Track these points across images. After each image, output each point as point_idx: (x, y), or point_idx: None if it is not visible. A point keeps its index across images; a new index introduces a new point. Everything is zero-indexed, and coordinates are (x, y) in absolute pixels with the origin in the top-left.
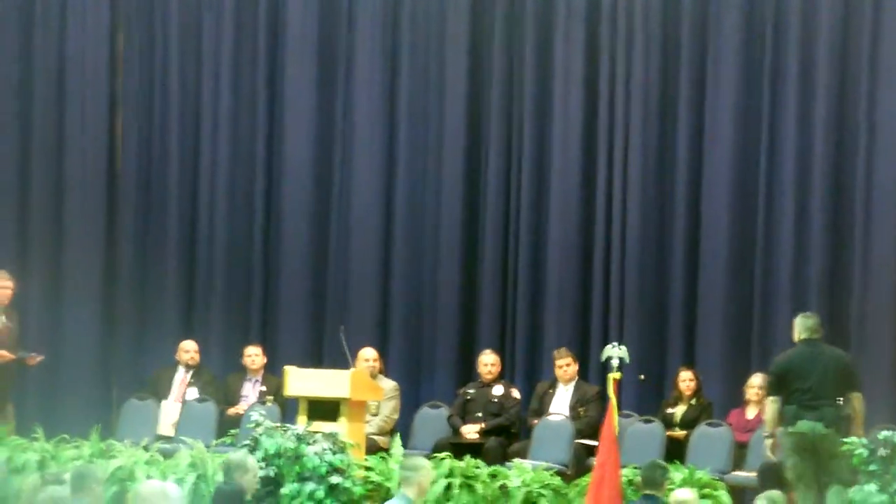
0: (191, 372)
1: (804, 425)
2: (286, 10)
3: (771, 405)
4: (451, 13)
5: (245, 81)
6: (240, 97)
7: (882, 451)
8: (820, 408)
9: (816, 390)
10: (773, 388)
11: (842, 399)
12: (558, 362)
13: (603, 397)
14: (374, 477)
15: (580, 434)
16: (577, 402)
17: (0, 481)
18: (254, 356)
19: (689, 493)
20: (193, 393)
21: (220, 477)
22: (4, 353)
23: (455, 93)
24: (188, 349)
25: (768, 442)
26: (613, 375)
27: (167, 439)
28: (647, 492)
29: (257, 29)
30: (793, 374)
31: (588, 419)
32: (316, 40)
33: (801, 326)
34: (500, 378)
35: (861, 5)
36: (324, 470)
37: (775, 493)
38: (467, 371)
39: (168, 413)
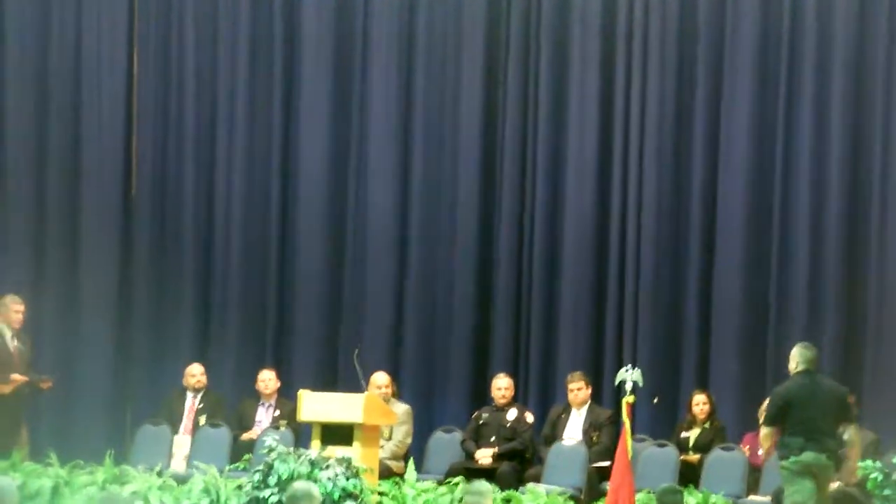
0: (199, 396)
1: (809, 456)
2: (302, 25)
3: (768, 436)
4: (466, 27)
5: (260, 96)
6: (254, 116)
7: None
8: (822, 440)
9: (818, 422)
10: (773, 419)
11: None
12: (570, 386)
13: (616, 421)
14: (387, 502)
15: (594, 458)
16: (591, 427)
17: None
18: (267, 380)
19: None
20: (203, 421)
21: (234, 502)
22: (17, 376)
23: (470, 110)
24: (194, 373)
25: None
26: (627, 399)
27: None
28: None
29: (273, 43)
30: (795, 406)
31: (601, 443)
32: (331, 56)
33: (801, 357)
34: (513, 402)
35: (876, 17)
36: (337, 495)
37: None
38: (481, 395)
39: (179, 447)
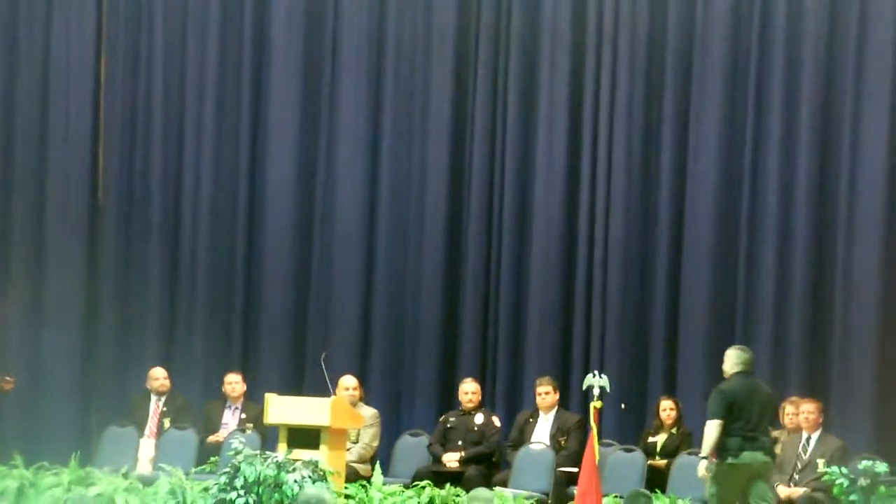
0: (163, 399)
1: (747, 456)
2: (271, 31)
3: (717, 428)
4: (436, 33)
5: (229, 108)
6: (223, 125)
7: (862, 482)
8: (758, 438)
9: (755, 422)
10: (721, 413)
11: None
12: (539, 389)
13: (584, 426)
14: None
15: (561, 462)
16: (558, 432)
17: None
18: (234, 384)
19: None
20: (168, 424)
21: None
22: None
23: (439, 117)
24: (157, 376)
25: (704, 463)
26: (595, 404)
27: None
28: None
29: (242, 50)
30: (737, 406)
31: (569, 448)
32: (301, 62)
33: (738, 359)
34: (480, 406)
35: (846, 24)
36: None
37: None
38: (448, 399)
39: (144, 450)
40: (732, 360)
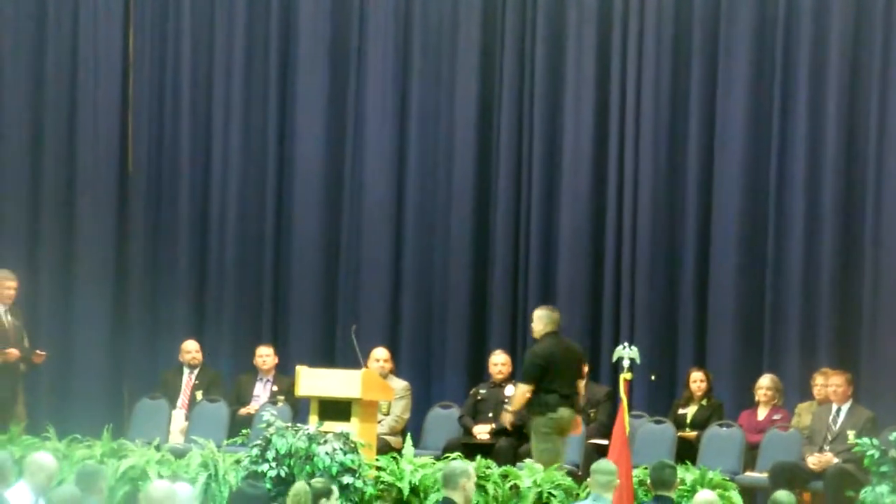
0: (195, 372)
1: (564, 412)
2: (298, 7)
3: (526, 393)
4: (462, 12)
5: (257, 80)
6: (251, 96)
7: (893, 453)
8: (571, 396)
9: (568, 380)
10: (535, 378)
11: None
12: None
13: (613, 398)
14: (385, 477)
15: (591, 434)
16: (588, 404)
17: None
18: (265, 356)
19: (711, 494)
20: (200, 396)
21: (231, 477)
22: (13, 350)
23: (466, 93)
24: (189, 349)
25: (509, 416)
26: (624, 376)
27: None
28: (659, 493)
29: (269, 26)
30: (553, 366)
31: (599, 420)
32: (328, 38)
33: (549, 319)
34: (510, 378)
35: (872, 11)
36: (335, 470)
37: (785, 494)
38: (478, 371)
39: (176, 421)
40: (544, 320)
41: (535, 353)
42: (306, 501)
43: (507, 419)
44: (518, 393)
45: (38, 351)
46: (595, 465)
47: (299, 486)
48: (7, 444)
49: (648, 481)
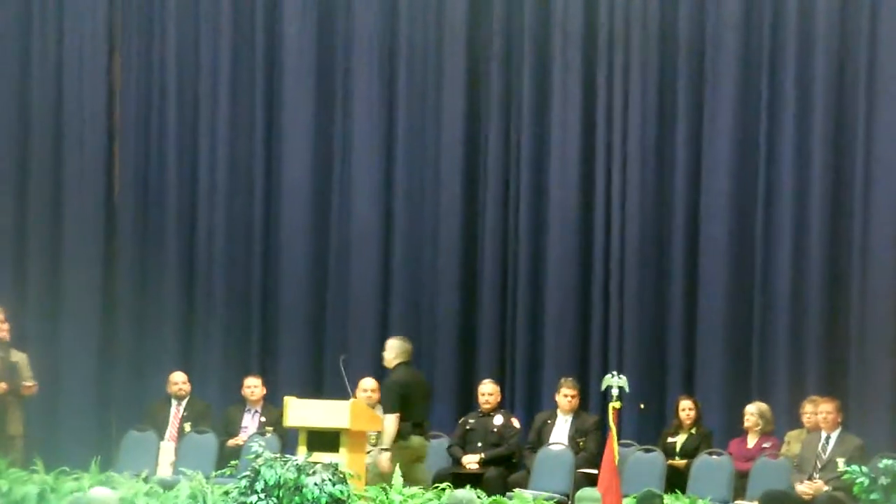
0: (183, 404)
1: (416, 440)
2: (283, 34)
3: (396, 421)
4: (447, 37)
5: (243, 106)
6: (237, 122)
7: (883, 480)
8: (423, 424)
9: (420, 409)
10: (398, 405)
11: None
12: (564, 391)
13: (602, 427)
14: None
15: (580, 464)
16: (577, 433)
17: None
18: (253, 387)
19: None
20: (188, 428)
21: None
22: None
23: (453, 116)
24: (176, 381)
25: (387, 455)
26: (613, 405)
27: None
28: None
29: (255, 51)
30: (409, 395)
31: (588, 449)
32: (314, 63)
33: (401, 349)
34: (499, 408)
35: (858, 22)
36: (324, 501)
37: None
38: (467, 401)
39: (164, 454)
40: (395, 350)
41: (393, 382)
42: None
43: (383, 464)
44: (388, 426)
45: (25, 383)
46: (579, 494)
47: None
48: None
49: None
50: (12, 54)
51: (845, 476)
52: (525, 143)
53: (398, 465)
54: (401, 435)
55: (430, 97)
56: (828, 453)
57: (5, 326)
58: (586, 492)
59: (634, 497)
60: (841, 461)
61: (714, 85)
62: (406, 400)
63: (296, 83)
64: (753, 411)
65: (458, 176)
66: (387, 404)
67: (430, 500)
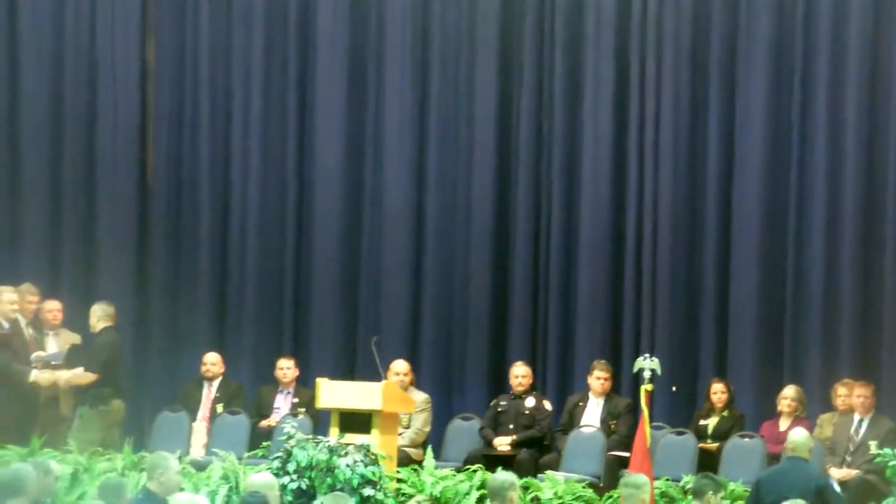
0: (216, 385)
1: (116, 403)
2: (316, 18)
3: (90, 378)
4: (480, 20)
5: (275, 90)
6: (270, 106)
7: None
8: (122, 388)
9: (122, 373)
10: (101, 368)
11: None
12: (597, 373)
13: (634, 409)
14: (406, 489)
15: (612, 447)
16: (608, 415)
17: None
18: (286, 369)
19: (802, 433)
20: (220, 409)
21: None
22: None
23: (485, 101)
24: (207, 361)
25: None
26: (645, 387)
27: None
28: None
29: (287, 36)
30: (116, 359)
31: (620, 432)
32: (346, 48)
33: (104, 314)
34: (531, 390)
35: (892, 5)
36: (356, 482)
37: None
38: (499, 383)
39: (197, 435)
40: (98, 314)
41: (101, 345)
42: None
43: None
44: (83, 377)
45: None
46: (624, 479)
47: None
48: (28, 456)
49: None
50: (46, 38)
51: (878, 459)
52: (557, 124)
53: (86, 423)
54: (102, 399)
55: (462, 81)
56: (860, 436)
57: (33, 304)
58: (632, 478)
59: (667, 479)
60: (873, 444)
61: (746, 65)
62: (112, 364)
63: (328, 66)
64: (794, 396)
65: (491, 159)
66: (92, 364)
67: (462, 481)
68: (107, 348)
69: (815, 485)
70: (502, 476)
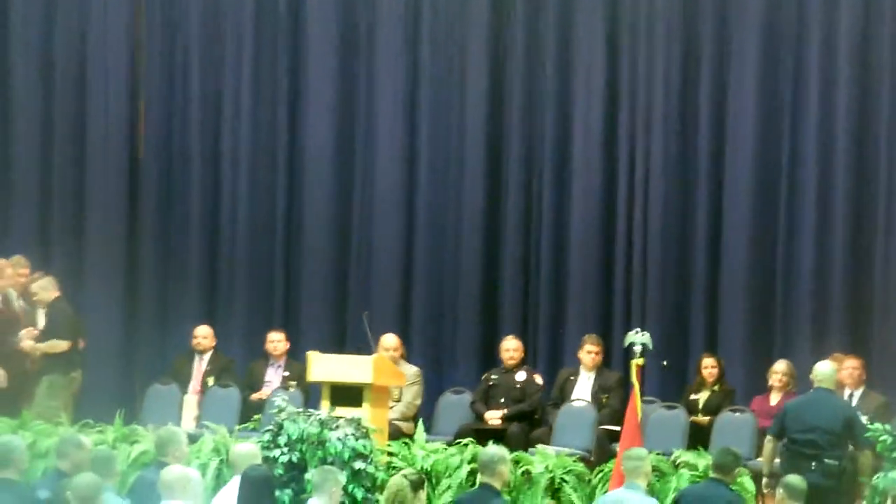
0: (207, 358)
1: (78, 374)
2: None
3: (62, 347)
4: (472, 7)
5: (267, 67)
6: (261, 83)
7: None
8: (83, 356)
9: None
10: (71, 334)
11: None
12: (588, 347)
13: (625, 384)
14: (396, 462)
15: (603, 420)
16: (599, 389)
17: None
18: (276, 342)
19: (829, 364)
20: (211, 382)
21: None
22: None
23: (477, 80)
24: (198, 335)
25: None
26: (636, 361)
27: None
28: (715, 476)
29: (278, 13)
30: (77, 326)
31: (610, 406)
32: (338, 26)
33: (52, 285)
34: (522, 364)
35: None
36: (347, 455)
37: (798, 478)
38: (490, 357)
39: (188, 408)
40: (48, 287)
41: (62, 312)
42: (406, 495)
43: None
44: (58, 346)
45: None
46: (627, 452)
47: (397, 480)
48: (18, 429)
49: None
50: (36, 13)
51: (868, 433)
52: (549, 105)
53: (52, 391)
54: (72, 365)
55: (454, 61)
56: None
57: (24, 277)
58: (634, 451)
59: (658, 454)
60: (864, 419)
61: (739, 48)
62: (74, 331)
63: (319, 46)
64: (784, 370)
65: (482, 136)
66: (62, 332)
67: (452, 455)
68: (70, 315)
69: (844, 415)
70: (493, 450)
